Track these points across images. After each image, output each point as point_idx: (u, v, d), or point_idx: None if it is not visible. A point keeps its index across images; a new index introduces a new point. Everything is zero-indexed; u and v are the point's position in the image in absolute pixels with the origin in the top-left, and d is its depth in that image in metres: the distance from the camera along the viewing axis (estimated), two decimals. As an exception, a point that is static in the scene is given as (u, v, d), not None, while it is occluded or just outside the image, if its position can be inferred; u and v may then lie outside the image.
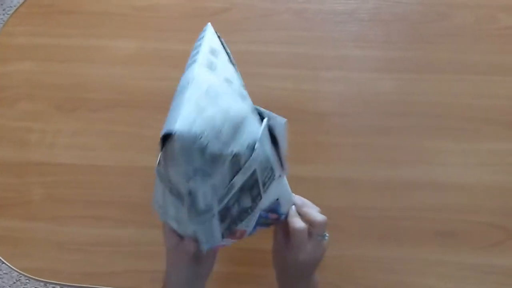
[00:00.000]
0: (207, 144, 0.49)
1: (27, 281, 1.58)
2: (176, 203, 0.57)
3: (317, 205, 0.80)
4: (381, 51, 0.89)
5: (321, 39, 0.91)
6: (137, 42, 0.93)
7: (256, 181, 0.56)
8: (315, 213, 0.64)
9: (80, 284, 0.82)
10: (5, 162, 0.88)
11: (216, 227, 0.56)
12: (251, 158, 0.54)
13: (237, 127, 0.54)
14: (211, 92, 0.53)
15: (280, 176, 0.62)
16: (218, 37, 0.62)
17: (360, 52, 0.89)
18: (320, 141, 0.84)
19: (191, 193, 0.53)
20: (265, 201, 0.60)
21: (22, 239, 0.84)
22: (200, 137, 0.48)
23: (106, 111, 0.89)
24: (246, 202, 0.57)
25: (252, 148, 0.55)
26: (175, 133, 0.46)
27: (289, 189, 0.67)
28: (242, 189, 0.55)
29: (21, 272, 0.82)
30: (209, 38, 0.60)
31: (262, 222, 0.62)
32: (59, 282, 0.82)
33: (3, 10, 1.95)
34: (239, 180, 0.55)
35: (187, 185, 0.52)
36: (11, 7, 1.96)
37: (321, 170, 0.83)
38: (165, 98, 0.88)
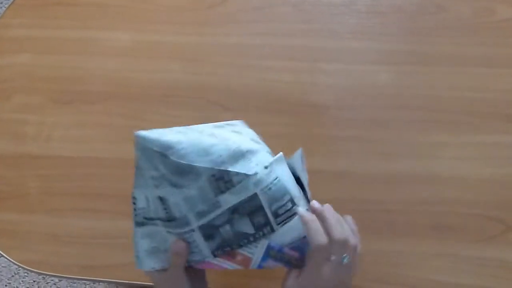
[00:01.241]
0: (168, 155, 0.50)
1: (26, 274, 1.58)
2: (149, 230, 0.57)
3: (314, 197, 0.80)
4: (379, 43, 0.89)
5: (318, 31, 0.90)
6: (133, 34, 0.93)
7: (261, 208, 0.53)
8: (337, 227, 0.54)
9: (78, 276, 0.82)
10: (1, 155, 0.87)
11: (201, 242, 0.55)
12: (248, 179, 0.52)
13: (240, 155, 0.53)
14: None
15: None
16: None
17: (358, 44, 0.89)
18: (317, 134, 0.84)
19: (162, 199, 0.53)
20: (285, 236, 0.56)
21: (19, 232, 0.83)
22: (163, 144, 0.50)
23: (103, 103, 0.89)
24: (245, 227, 0.54)
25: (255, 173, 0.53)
26: (136, 134, 0.49)
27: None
28: (235, 211, 0.53)
29: (20, 264, 0.82)
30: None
31: (277, 257, 0.57)
32: (58, 275, 0.82)
33: (0, 3, 1.94)
34: (229, 199, 0.53)
35: (157, 191, 0.52)
36: (8, -1, 1.95)
37: (318, 163, 0.83)
38: (162, 91, 0.89)
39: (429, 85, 0.86)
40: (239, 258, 0.56)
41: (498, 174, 0.80)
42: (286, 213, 0.55)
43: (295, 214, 0.55)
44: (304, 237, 0.56)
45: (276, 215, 0.54)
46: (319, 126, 0.85)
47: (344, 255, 0.53)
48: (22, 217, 0.84)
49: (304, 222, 0.54)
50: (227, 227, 0.53)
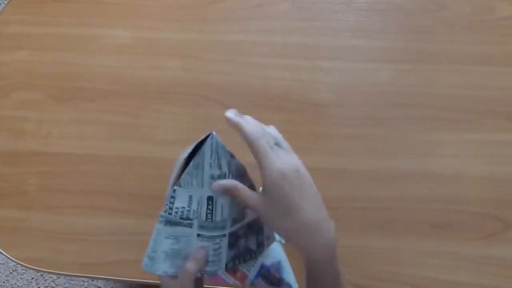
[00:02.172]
0: (234, 156, 0.55)
1: (24, 271, 1.58)
2: (178, 231, 0.58)
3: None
4: (379, 41, 0.89)
5: (318, 29, 0.90)
6: (133, 31, 0.92)
7: (261, 229, 0.60)
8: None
9: (77, 273, 0.82)
10: (1, 152, 0.87)
11: (224, 250, 0.58)
12: None
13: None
14: None
15: (280, 241, 0.69)
16: None
17: (358, 42, 0.89)
18: (316, 131, 0.84)
19: (211, 200, 0.56)
20: (268, 258, 0.64)
21: (18, 229, 0.83)
22: (229, 150, 0.55)
23: (102, 100, 0.89)
24: (252, 243, 0.60)
25: None
26: (214, 132, 0.54)
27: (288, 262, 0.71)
28: (250, 226, 0.59)
29: (17, 261, 0.82)
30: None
31: (265, 275, 0.63)
32: (56, 272, 0.82)
33: (-1, -1, 1.94)
34: (249, 214, 0.59)
35: (210, 192, 0.56)
36: (7, -4, 1.94)
37: (317, 161, 0.83)
38: (161, 88, 0.89)
39: (428, 83, 0.86)
40: (238, 274, 0.62)
41: (498, 172, 0.81)
42: (271, 238, 0.62)
43: (273, 240, 0.63)
44: (279, 261, 0.66)
45: (267, 237, 0.61)
46: (319, 124, 0.85)
47: (275, 138, 0.55)
48: (21, 214, 0.84)
49: (235, 123, 0.54)
50: (243, 240, 0.59)
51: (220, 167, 0.55)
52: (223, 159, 0.55)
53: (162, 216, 0.57)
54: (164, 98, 0.88)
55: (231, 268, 0.60)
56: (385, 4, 0.90)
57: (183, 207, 0.57)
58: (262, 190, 0.53)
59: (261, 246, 0.61)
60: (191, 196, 0.56)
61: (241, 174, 0.57)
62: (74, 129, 0.87)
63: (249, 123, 0.54)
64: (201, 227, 0.57)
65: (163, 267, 0.59)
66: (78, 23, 0.94)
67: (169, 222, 0.57)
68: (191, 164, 0.55)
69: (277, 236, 0.65)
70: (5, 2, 0.97)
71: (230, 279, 0.62)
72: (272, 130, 0.59)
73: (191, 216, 0.57)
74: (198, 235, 0.58)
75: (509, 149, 0.81)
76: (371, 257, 0.78)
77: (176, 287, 0.59)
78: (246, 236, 0.59)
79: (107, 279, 0.82)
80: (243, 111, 0.85)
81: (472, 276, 0.77)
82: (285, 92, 0.87)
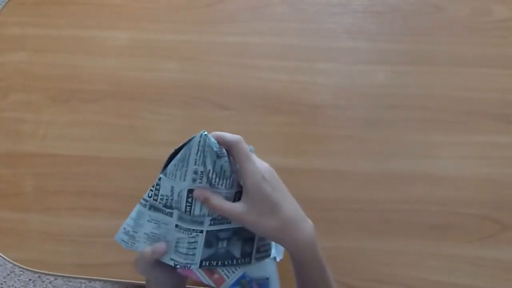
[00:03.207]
0: (221, 157, 0.56)
1: (21, 272, 1.57)
2: (159, 218, 0.60)
3: (310, 196, 0.81)
4: (375, 43, 0.89)
5: (315, 30, 0.90)
6: (130, 33, 0.93)
7: (252, 240, 0.60)
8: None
9: (74, 275, 0.81)
10: (-2, 153, 0.87)
11: (200, 246, 0.59)
12: None
13: None
14: None
15: (275, 259, 0.70)
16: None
17: (354, 44, 0.89)
18: (313, 133, 0.84)
19: (191, 193, 0.57)
20: (256, 271, 0.66)
21: (15, 231, 0.83)
22: (221, 149, 0.56)
23: (100, 102, 0.89)
24: (235, 250, 0.60)
25: None
26: (205, 132, 0.55)
27: (278, 281, 0.71)
28: (236, 232, 0.59)
29: (15, 263, 0.82)
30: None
31: (245, 286, 0.65)
32: (53, 273, 0.82)
33: (-3, 1, 1.94)
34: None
35: (192, 185, 0.57)
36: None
37: (315, 162, 0.83)
38: (158, 90, 0.89)
39: (425, 85, 0.86)
40: (215, 276, 0.62)
41: (495, 174, 0.81)
42: (264, 252, 0.63)
43: (268, 256, 0.63)
44: (267, 278, 0.67)
45: (258, 250, 0.61)
46: (317, 126, 0.85)
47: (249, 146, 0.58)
48: (18, 215, 0.84)
49: (215, 135, 0.57)
50: (224, 243, 0.59)
51: (204, 164, 0.56)
52: (209, 158, 0.56)
53: (146, 200, 0.60)
54: (162, 99, 0.88)
55: (206, 267, 0.61)
56: (381, 6, 0.91)
57: (167, 196, 0.59)
58: (244, 194, 0.56)
59: (247, 257, 0.61)
60: (173, 187, 0.58)
61: (227, 176, 0.57)
62: (71, 131, 0.87)
63: (223, 132, 0.58)
64: (180, 218, 0.59)
65: (142, 247, 0.61)
66: (75, 25, 0.94)
67: (153, 207, 0.60)
68: (178, 156, 0.57)
69: (273, 254, 0.65)
70: (3, 4, 0.97)
71: (205, 279, 0.63)
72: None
73: (173, 205, 0.59)
74: (176, 225, 0.59)
75: (507, 151, 0.82)
76: (369, 258, 0.78)
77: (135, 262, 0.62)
78: (229, 240, 0.60)
79: (105, 281, 0.82)
80: (241, 112, 0.86)
81: (469, 278, 0.77)
82: (283, 94, 0.87)
